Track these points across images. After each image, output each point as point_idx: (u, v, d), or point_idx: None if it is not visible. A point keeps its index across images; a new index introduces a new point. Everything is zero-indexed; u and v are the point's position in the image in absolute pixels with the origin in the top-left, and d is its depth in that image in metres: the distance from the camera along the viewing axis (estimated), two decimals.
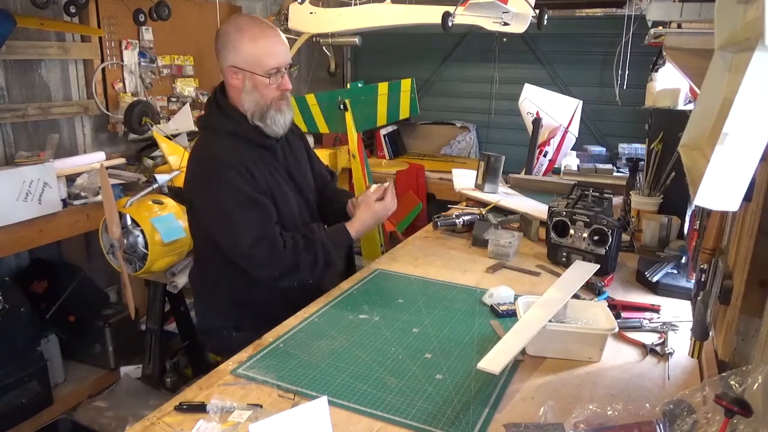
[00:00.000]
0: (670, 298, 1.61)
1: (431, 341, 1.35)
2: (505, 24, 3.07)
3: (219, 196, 1.53)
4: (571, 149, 3.50)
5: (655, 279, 1.67)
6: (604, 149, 3.73)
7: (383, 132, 4.30)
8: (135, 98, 3.14)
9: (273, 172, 1.63)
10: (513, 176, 3.04)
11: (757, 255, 0.95)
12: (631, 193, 2.11)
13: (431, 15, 3.22)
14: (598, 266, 1.64)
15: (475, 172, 2.72)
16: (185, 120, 3.26)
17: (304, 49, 4.12)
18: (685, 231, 1.96)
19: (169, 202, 2.33)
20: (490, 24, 3.12)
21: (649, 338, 1.37)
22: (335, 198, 1.90)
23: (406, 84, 2.95)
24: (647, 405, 0.95)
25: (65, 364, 2.61)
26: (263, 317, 1.50)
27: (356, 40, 3.92)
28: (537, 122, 3.26)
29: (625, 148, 3.46)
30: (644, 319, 1.46)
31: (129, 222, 2.20)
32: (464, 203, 2.61)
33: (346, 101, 3.02)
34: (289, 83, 1.60)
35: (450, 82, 4.61)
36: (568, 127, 3.35)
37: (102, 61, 2.99)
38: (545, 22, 2.99)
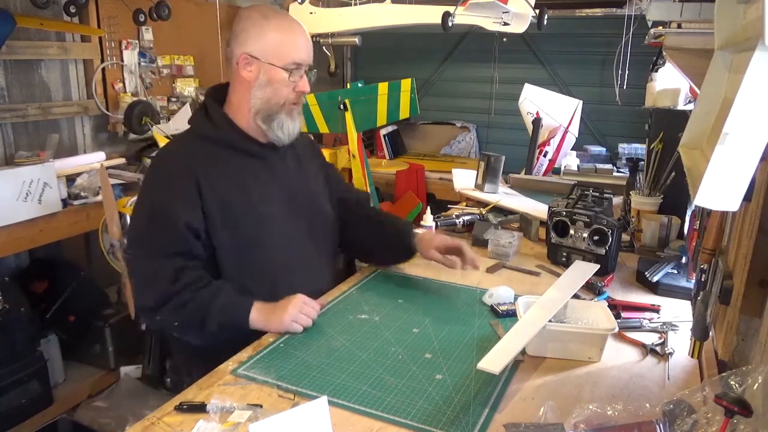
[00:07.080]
0: (670, 298, 1.61)
1: (431, 341, 1.35)
2: (505, 24, 3.07)
3: (141, 196, 1.41)
4: (571, 149, 3.50)
5: (655, 279, 1.67)
6: (604, 149, 3.73)
7: (383, 132, 4.30)
8: (135, 98, 3.14)
9: (256, 187, 1.43)
10: (513, 176, 3.04)
11: (757, 255, 0.95)
12: (631, 193, 2.11)
13: (431, 15, 3.22)
14: (598, 266, 1.64)
15: (475, 172, 2.72)
16: (185, 120, 3.24)
17: None
18: (685, 231, 1.96)
19: None
20: (490, 24, 3.12)
21: (649, 338, 1.37)
22: (375, 222, 1.70)
23: (406, 84, 2.95)
24: (647, 405, 0.95)
25: (65, 364, 2.60)
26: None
27: (356, 40, 3.92)
28: (537, 122, 3.26)
29: (625, 148, 3.46)
30: (644, 319, 1.46)
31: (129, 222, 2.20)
32: (464, 203, 2.61)
33: (346, 101, 3.01)
34: (307, 86, 1.44)
35: (450, 82, 4.61)
36: (568, 127, 3.35)
37: (102, 61, 2.99)
38: (545, 22, 2.99)
